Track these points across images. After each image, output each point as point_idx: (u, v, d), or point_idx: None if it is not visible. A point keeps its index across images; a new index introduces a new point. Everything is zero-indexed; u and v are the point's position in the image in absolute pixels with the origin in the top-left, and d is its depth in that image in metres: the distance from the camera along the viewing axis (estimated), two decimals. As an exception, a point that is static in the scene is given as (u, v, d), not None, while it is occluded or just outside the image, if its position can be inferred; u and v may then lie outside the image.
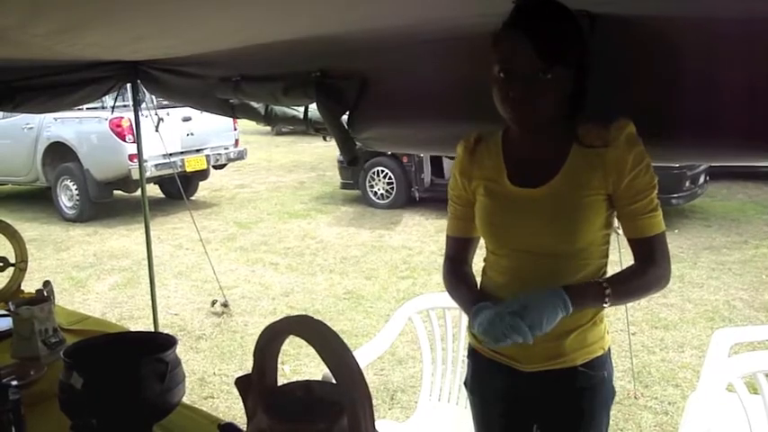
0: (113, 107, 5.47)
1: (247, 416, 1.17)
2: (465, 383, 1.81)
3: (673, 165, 6.48)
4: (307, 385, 1.12)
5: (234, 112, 2.72)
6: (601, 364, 1.59)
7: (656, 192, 1.47)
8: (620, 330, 4.23)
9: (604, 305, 1.48)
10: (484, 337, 1.44)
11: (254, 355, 1.08)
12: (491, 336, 1.40)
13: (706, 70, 1.46)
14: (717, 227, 7.38)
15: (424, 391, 2.75)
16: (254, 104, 2.60)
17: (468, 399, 1.81)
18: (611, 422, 3.36)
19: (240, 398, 1.19)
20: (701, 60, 1.46)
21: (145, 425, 1.57)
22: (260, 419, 1.08)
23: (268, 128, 19.37)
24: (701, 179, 7.81)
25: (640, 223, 1.48)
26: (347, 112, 2.22)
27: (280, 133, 18.66)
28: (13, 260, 2.60)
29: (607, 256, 1.58)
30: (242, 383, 1.17)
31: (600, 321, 1.59)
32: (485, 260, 1.69)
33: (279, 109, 2.53)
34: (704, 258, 6.24)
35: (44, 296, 2.22)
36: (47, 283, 2.35)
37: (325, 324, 1.01)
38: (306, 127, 2.47)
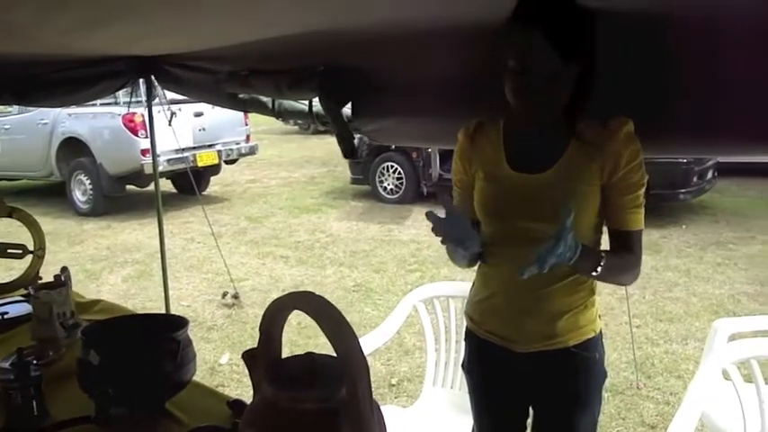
0: (129, 103, 5.52)
1: (253, 387, 1.24)
2: (462, 366, 1.87)
3: (677, 158, 6.44)
4: (309, 357, 1.19)
5: (244, 106, 2.79)
6: (593, 346, 1.66)
7: (643, 190, 1.53)
8: (624, 323, 4.28)
9: (594, 274, 1.51)
10: None
11: (260, 329, 1.15)
12: None
13: (709, 65, 1.48)
14: (725, 222, 7.39)
15: (428, 378, 2.82)
16: (263, 98, 2.67)
17: (466, 381, 1.87)
18: (613, 411, 3.38)
19: (249, 378, 1.26)
20: (704, 55, 1.48)
21: (158, 400, 1.66)
22: (265, 390, 1.15)
23: (280, 124, 19.26)
24: (709, 174, 7.78)
25: (626, 217, 1.55)
26: (349, 106, 2.28)
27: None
28: (31, 248, 2.69)
29: (600, 244, 1.64)
30: (248, 358, 1.25)
31: (591, 305, 1.65)
32: (480, 245, 1.74)
33: (287, 103, 2.59)
34: (711, 253, 6.27)
35: (62, 281, 2.31)
36: (64, 269, 2.44)
37: (326, 299, 1.08)
38: (312, 121, 2.54)
